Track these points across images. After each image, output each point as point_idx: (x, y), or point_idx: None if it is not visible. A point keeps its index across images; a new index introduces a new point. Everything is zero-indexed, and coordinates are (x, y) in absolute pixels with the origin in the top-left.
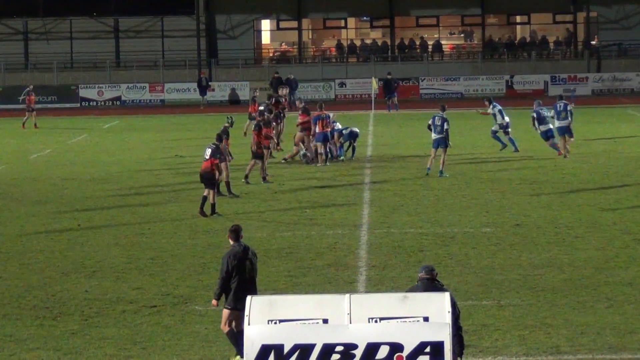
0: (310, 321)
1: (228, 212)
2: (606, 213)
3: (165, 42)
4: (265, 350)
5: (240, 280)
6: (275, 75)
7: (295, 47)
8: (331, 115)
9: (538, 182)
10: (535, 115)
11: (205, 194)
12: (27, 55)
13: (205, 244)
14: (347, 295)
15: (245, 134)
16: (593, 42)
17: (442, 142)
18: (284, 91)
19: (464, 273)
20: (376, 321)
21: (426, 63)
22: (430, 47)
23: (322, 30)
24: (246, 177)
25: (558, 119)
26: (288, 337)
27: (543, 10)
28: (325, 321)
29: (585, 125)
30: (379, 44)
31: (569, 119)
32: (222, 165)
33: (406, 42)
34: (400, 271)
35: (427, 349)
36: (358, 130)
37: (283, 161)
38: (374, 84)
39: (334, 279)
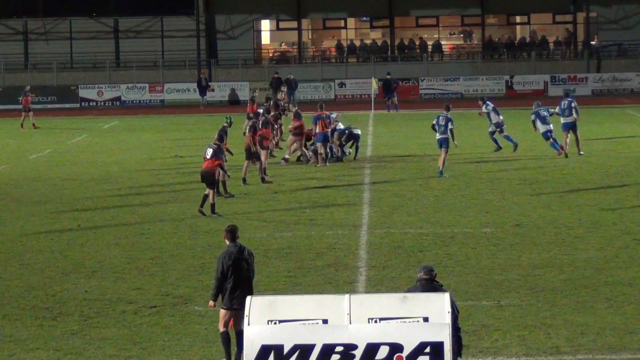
0: (310, 321)
1: (228, 212)
2: (606, 213)
3: (165, 42)
4: (265, 350)
5: (235, 280)
6: (275, 75)
7: (295, 47)
8: (335, 114)
9: (538, 182)
10: (534, 117)
11: (206, 192)
12: (26, 56)
13: (205, 244)
14: (347, 295)
15: (244, 133)
16: (593, 42)
17: (445, 142)
18: (282, 95)
19: (463, 273)
20: (376, 321)
21: (426, 63)
22: (430, 47)
23: (321, 31)
24: (244, 180)
25: (563, 115)
26: (288, 338)
27: (543, 10)
28: (325, 321)
29: (585, 125)
30: (379, 44)
31: (574, 115)
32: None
33: (406, 42)
34: (400, 271)
35: (427, 350)
36: (359, 132)
37: (283, 162)
38: (374, 84)
39: (334, 279)
